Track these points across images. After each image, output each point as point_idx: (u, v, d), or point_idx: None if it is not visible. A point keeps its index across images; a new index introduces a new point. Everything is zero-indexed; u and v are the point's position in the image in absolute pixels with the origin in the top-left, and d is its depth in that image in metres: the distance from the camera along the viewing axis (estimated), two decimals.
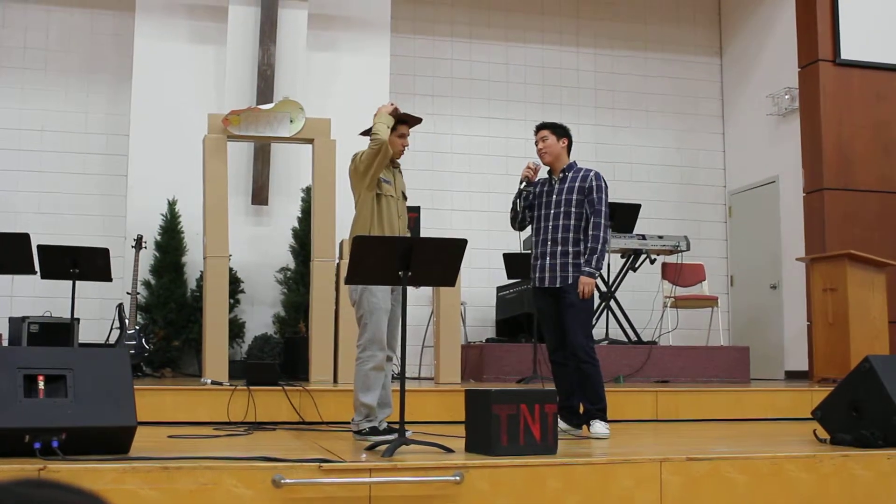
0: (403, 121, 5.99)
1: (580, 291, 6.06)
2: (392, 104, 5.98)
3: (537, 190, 6.35)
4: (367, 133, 6.01)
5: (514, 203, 6.37)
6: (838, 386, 5.76)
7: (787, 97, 11.41)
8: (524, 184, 6.32)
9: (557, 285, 6.15)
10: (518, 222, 6.41)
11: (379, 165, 5.75)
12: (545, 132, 6.32)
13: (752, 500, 4.70)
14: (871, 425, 5.29)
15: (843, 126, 10.60)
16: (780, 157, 11.57)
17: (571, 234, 6.14)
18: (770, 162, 11.83)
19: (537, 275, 6.28)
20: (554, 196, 6.24)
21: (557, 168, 6.30)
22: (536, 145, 6.36)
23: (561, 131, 6.33)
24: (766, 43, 12.04)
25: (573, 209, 6.16)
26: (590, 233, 6.13)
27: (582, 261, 6.12)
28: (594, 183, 6.18)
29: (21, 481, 0.91)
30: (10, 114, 10.50)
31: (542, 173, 6.42)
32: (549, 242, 6.20)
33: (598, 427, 6.03)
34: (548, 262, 6.19)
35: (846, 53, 10.69)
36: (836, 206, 10.46)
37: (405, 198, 6.11)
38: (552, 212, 6.22)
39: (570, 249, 6.13)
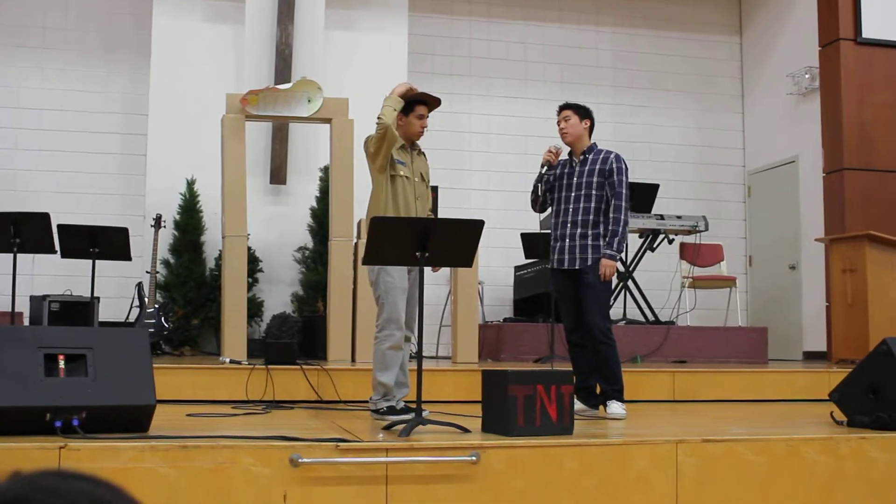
0: (422, 101, 5.97)
1: (601, 274, 6.05)
2: (408, 84, 5.94)
3: (558, 172, 6.34)
4: None
5: (535, 186, 6.36)
6: (856, 368, 5.74)
7: (807, 76, 11.33)
8: (545, 168, 6.30)
9: (577, 267, 6.14)
10: (539, 205, 6.40)
11: (387, 148, 5.72)
12: (568, 112, 6.29)
13: (767, 481, 4.70)
14: (888, 407, 5.28)
15: (864, 105, 10.52)
16: (800, 136, 11.50)
17: (591, 217, 6.13)
18: (790, 142, 11.77)
19: (556, 256, 6.27)
20: (574, 178, 6.22)
21: (578, 149, 6.28)
22: (559, 125, 6.32)
23: (584, 112, 6.29)
24: (786, 22, 11.95)
25: (594, 192, 6.15)
26: (611, 215, 6.11)
27: (602, 243, 6.11)
28: (614, 165, 6.16)
29: (45, 472, 0.92)
30: (30, 94, 10.54)
31: (563, 154, 6.40)
32: (568, 224, 6.19)
33: (615, 407, 6.04)
34: (567, 243, 6.18)
35: (867, 32, 10.60)
36: (856, 187, 10.40)
37: (425, 179, 6.06)
38: (573, 194, 6.21)
39: (590, 232, 6.12)
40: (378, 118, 5.69)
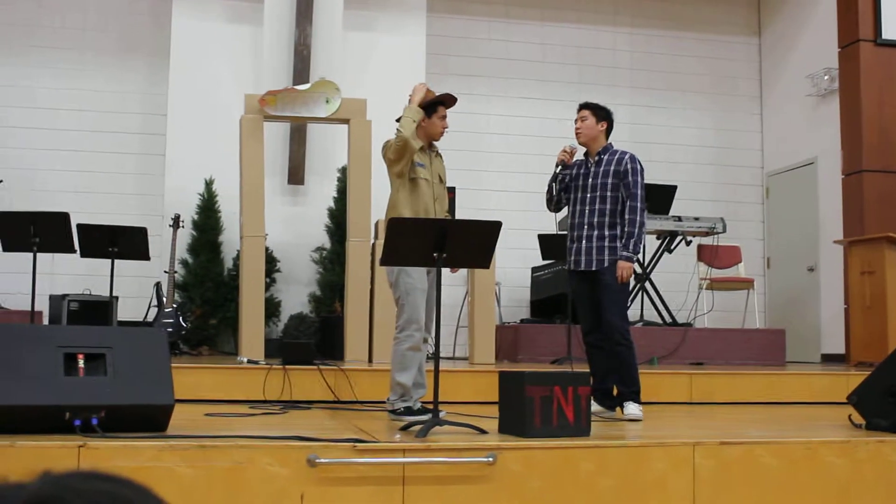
0: (441, 102, 6.00)
1: (618, 276, 6.04)
2: (425, 86, 5.97)
3: (573, 172, 6.32)
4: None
5: (550, 186, 6.35)
6: (874, 371, 5.72)
7: (826, 78, 11.28)
8: (560, 167, 6.30)
9: (594, 268, 6.13)
10: (554, 204, 6.38)
11: (408, 158, 5.77)
12: (586, 112, 6.28)
13: (785, 484, 4.69)
14: None
15: (884, 107, 10.47)
16: (819, 138, 11.46)
17: (608, 218, 6.12)
18: (808, 143, 11.72)
19: (573, 257, 6.26)
20: (590, 179, 6.21)
21: (593, 150, 6.26)
22: (575, 123, 6.32)
23: (602, 113, 6.27)
24: (805, 23, 11.91)
25: (609, 193, 6.13)
26: (626, 217, 6.09)
27: (619, 244, 6.10)
28: (629, 166, 6.14)
29: (70, 474, 0.93)
30: (49, 94, 10.59)
31: (579, 155, 6.39)
32: (585, 226, 6.18)
33: (632, 409, 6.03)
34: (584, 245, 6.17)
35: (887, 33, 10.56)
36: (875, 189, 10.36)
37: (442, 181, 6.08)
38: (588, 195, 6.20)
39: (607, 233, 6.10)
40: (397, 130, 5.73)
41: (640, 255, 10.15)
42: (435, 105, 5.95)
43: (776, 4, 12.55)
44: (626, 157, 6.18)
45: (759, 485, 4.66)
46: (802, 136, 11.86)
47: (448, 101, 6.03)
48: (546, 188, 6.39)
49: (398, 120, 5.97)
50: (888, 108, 10.48)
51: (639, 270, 10.16)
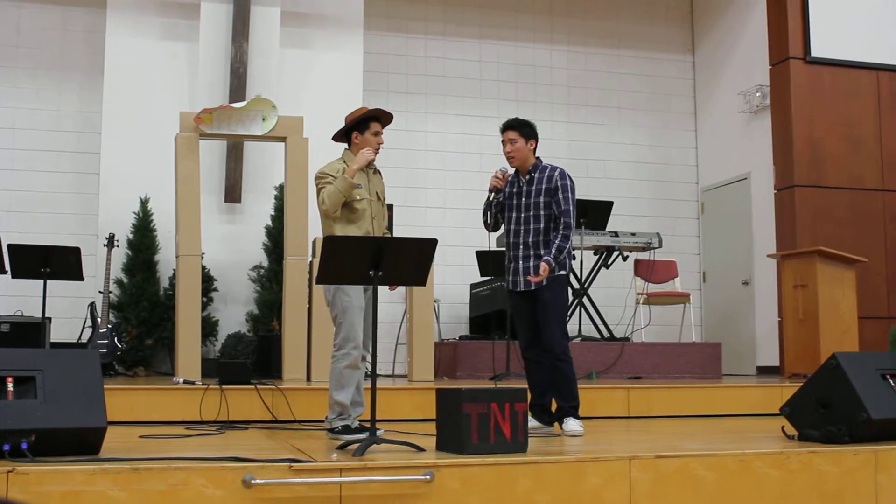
0: (374, 118, 5.98)
1: (539, 274, 6.00)
2: (371, 153, 5.87)
3: (506, 191, 6.30)
4: (338, 138, 6.01)
5: (485, 211, 6.31)
6: (806, 382, 5.81)
7: (758, 94, 11.49)
8: (493, 193, 6.27)
9: (532, 288, 6.14)
10: (491, 226, 6.36)
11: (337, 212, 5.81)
12: (513, 133, 6.20)
13: (720, 496, 4.74)
14: (838, 421, 5.34)
15: (814, 123, 10.69)
16: (752, 154, 11.65)
17: (542, 238, 6.12)
18: (742, 159, 11.91)
19: (511, 277, 6.26)
20: (523, 199, 6.20)
21: (524, 169, 6.24)
22: (504, 146, 6.25)
23: (528, 131, 6.22)
24: (737, 41, 12.12)
25: (542, 212, 6.13)
26: (559, 231, 6.09)
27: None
28: (559, 183, 6.12)
29: None
30: None
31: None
32: (520, 246, 6.18)
33: (572, 424, 6.05)
34: (521, 265, 6.18)
35: (816, 51, 10.79)
36: (807, 203, 10.56)
37: (380, 198, 6.04)
38: (522, 215, 6.19)
39: (542, 252, 6.10)
40: (322, 200, 5.78)
41: (577, 270, 10.23)
42: (367, 121, 5.94)
43: (709, 23, 12.75)
44: (556, 173, 6.17)
45: (695, 497, 4.70)
46: (736, 152, 12.05)
47: (381, 116, 6.00)
48: (482, 211, 6.34)
49: (337, 137, 5.96)
50: (818, 124, 10.69)
51: (576, 285, 10.24)
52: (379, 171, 6.11)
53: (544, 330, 6.11)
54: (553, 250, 6.05)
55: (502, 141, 6.26)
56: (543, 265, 6.00)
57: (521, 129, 6.23)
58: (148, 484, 4.00)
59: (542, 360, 6.22)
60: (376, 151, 5.95)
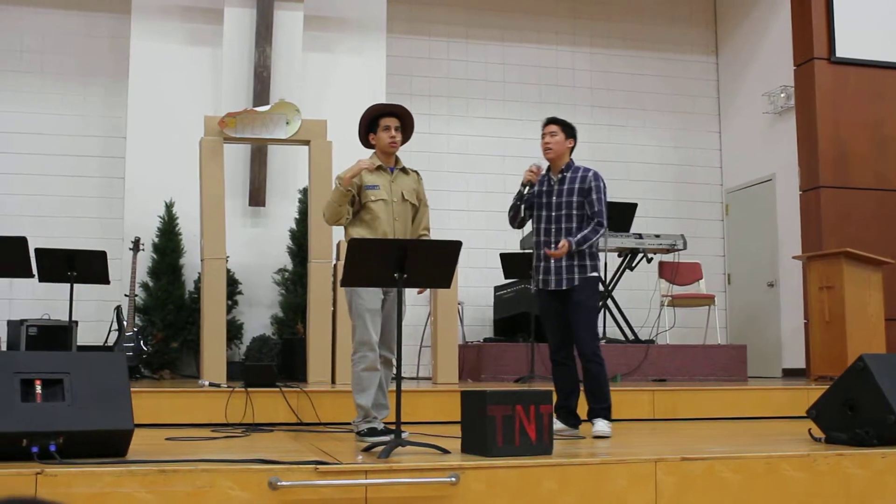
0: (381, 114, 5.85)
1: (559, 248, 6.00)
2: (360, 167, 5.78)
3: (536, 189, 6.31)
4: (364, 144, 5.96)
5: (515, 205, 6.29)
6: (833, 385, 5.76)
7: (783, 95, 11.43)
8: (527, 187, 6.27)
9: (564, 287, 6.12)
10: (518, 221, 6.35)
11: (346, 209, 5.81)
12: (555, 127, 6.24)
13: (746, 499, 4.72)
14: (865, 424, 5.30)
15: (839, 124, 10.61)
16: (777, 155, 11.59)
17: None
18: (766, 160, 11.86)
19: (541, 276, 6.23)
20: (554, 198, 6.19)
21: (557, 166, 6.24)
22: (543, 138, 6.24)
23: (570, 130, 6.26)
24: (761, 41, 12.06)
25: (574, 211, 6.12)
26: (591, 225, 6.08)
27: (588, 263, 6.07)
28: (593, 184, 6.13)
29: (13, 500, 0.93)
30: (7, 117, 10.50)
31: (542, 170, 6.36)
32: (551, 245, 6.14)
33: (601, 425, 6.02)
34: (553, 264, 6.13)
35: (841, 51, 10.71)
36: (833, 204, 10.48)
37: (406, 199, 5.88)
38: (553, 214, 6.17)
39: (573, 252, 6.09)
40: (323, 213, 5.86)
41: (602, 273, 10.20)
42: (375, 119, 5.86)
43: (732, 23, 12.70)
44: (590, 174, 6.18)
45: (721, 500, 4.68)
46: (760, 153, 11.99)
47: (382, 110, 5.89)
48: (510, 206, 6.33)
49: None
50: (844, 125, 10.61)
51: (601, 288, 10.21)
52: (413, 171, 6.00)
53: (576, 331, 6.08)
54: (579, 236, 6.03)
55: (542, 134, 6.26)
56: (564, 241, 5.98)
57: (563, 125, 6.28)
58: (175, 486, 4.02)
59: (570, 363, 6.21)
60: (391, 146, 5.84)
